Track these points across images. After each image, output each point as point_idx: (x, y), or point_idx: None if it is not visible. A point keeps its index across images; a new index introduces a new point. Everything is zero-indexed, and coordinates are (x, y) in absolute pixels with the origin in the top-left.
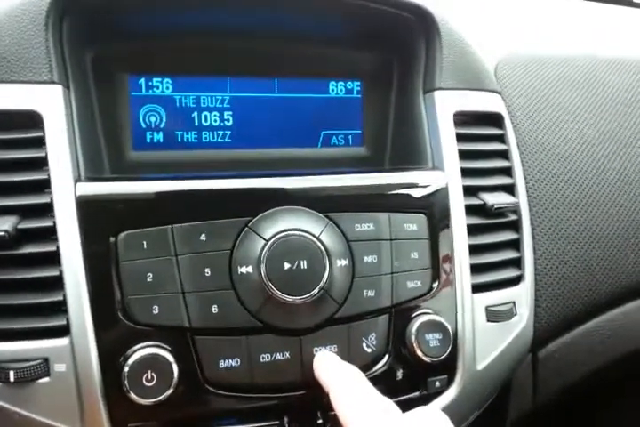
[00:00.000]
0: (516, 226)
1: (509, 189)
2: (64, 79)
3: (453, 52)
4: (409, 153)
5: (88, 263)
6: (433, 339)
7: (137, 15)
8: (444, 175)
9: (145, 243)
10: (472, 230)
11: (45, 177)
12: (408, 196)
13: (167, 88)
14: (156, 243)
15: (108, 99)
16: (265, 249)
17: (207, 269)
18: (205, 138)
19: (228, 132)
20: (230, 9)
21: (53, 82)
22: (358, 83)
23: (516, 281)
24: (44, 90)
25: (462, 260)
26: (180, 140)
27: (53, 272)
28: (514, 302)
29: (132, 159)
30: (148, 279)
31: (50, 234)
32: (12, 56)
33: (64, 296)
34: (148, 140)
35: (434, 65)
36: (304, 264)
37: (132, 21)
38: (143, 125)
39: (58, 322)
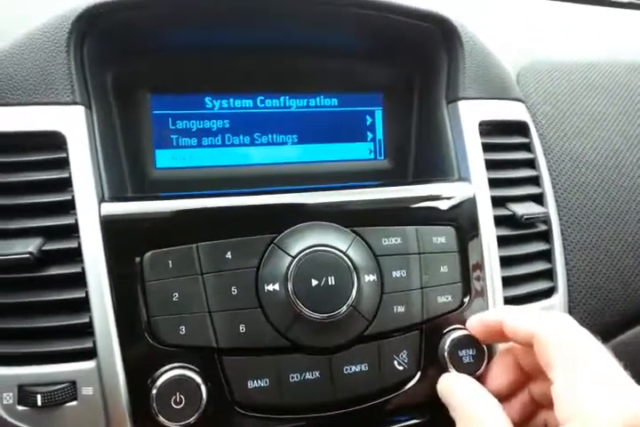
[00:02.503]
0: (546, 236)
1: (538, 199)
2: (86, 100)
3: (476, 61)
4: (434, 164)
5: (114, 284)
6: (466, 355)
7: (156, 34)
8: (471, 186)
9: (170, 262)
10: (502, 242)
11: (69, 198)
12: (435, 208)
13: (188, 106)
14: (182, 262)
15: (130, 118)
16: (292, 266)
17: (234, 288)
18: (227, 155)
19: (251, 149)
20: (251, 24)
21: (75, 103)
22: (379, 95)
23: (548, 293)
24: (66, 111)
25: (493, 272)
26: (202, 157)
27: (79, 294)
28: None
29: (154, 178)
30: (175, 299)
31: (75, 255)
32: (35, 78)
33: (90, 318)
34: (170, 159)
35: (456, 75)
36: (332, 280)
37: (152, 40)
38: (165, 144)
39: (84, 344)
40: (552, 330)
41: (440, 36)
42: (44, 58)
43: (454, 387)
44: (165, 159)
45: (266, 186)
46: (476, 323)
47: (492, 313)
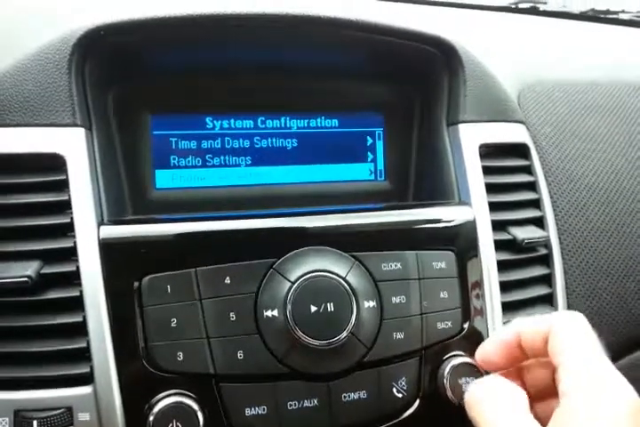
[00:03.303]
0: (546, 260)
1: (539, 222)
2: (86, 121)
3: (477, 84)
4: (434, 187)
5: (112, 309)
6: (466, 383)
7: (157, 55)
8: (471, 210)
9: (169, 287)
10: (502, 266)
11: (68, 221)
12: (435, 232)
13: (188, 126)
14: (180, 287)
15: (130, 138)
16: (290, 292)
17: (232, 314)
18: (227, 175)
19: (250, 169)
20: (251, 45)
21: (76, 125)
22: (380, 116)
23: None
24: (66, 133)
25: (493, 298)
26: (201, 178)
27: (77, 318)
28: None
29: (154, 198)
30: (173, 324)
31: (73, 278)
32: (36, 99)
33: (87, 343)
34: (170, 179)
35: (457, 98)
36: (331, 307)
37: (153, 61)
38: (165, 164)
39: (81, 370)
40: (568, 320)
41: (441, 59)
42: (45, 79)
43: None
44: (165, 180)
45: (265, 206)
46: (491, 347)
47: (504, 331)
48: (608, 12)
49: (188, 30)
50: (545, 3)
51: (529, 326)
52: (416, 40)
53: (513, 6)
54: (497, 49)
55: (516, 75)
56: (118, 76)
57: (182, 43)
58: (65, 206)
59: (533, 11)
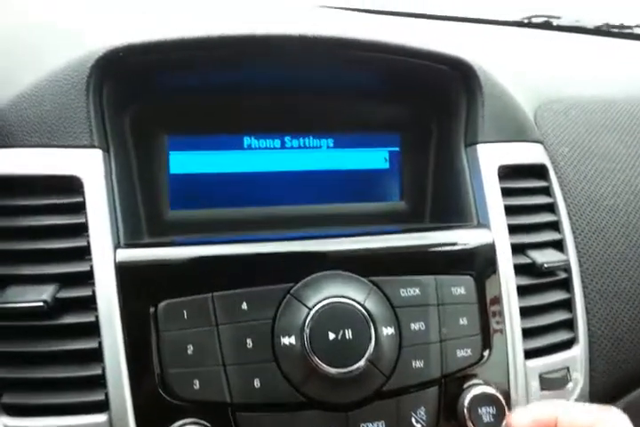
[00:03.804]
0: (566, 285)
1: (558, 245)
2: (104, 143)
3: (495, 104)
4: (451, 208)
5: (127, 335)
6: (486, 413)
7: (175, 75)
8: (490, 234)
9: (185, 312)
10: (521, 291)
11: (85, 244)
12: (454, 256)
13: (205, 147)
14: (197, 312)
15: (147, 159)
16: (308, 318)
17: (249, 340)
18: (243, 196)
19: (266, 190)
20: (267, 66)
21: (93, 146)
22: (396, 135)
23: (568, 344)
24: (84, 154)
25: (513, 324)
26: (218, 198)
27: (92, 344)
28: (568, 368)
29: (170, 219)
30: (189, 351)
31: (89, 303)
32: (54, 120)
33: (103, 369)
34: (186, 199)
35: (475, 118)
36: (349, 334)
37: (170, 81)
38: (181, 184)
39: (96, 397)
40: (617, 421)
41: (459, 80)
42: (63, 100)
43: None
44: (181, 200)
45: (281, 227)
46: (526, 420)
47: (543, 408)
48: (622, 26)
49: (207, 51)
50: (559, 17)
51: (571, 413)
52: (435, 60)
53: (526, 21)
54: (511, 65)
55: (531, 92)
56: (135, 97)
57: (200, 63)
58: (81, 229)
59: (547, 25)
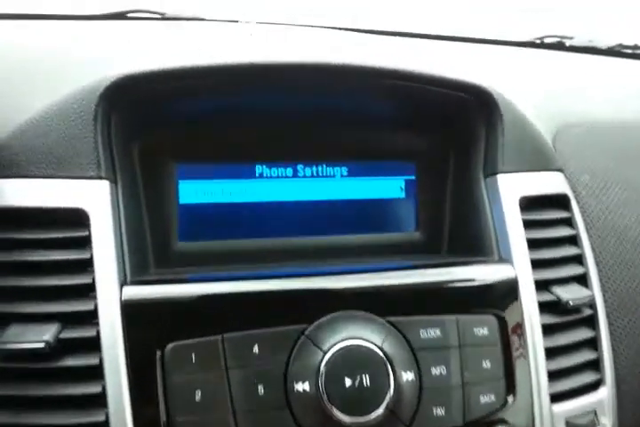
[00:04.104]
0: (591, 322)
1: (582, 280)
2: (111, 174)
3: (515, 133)
4: (470, 240)
5: (132, 379)
6: None
7: (184, 103)
8: (513, 269)
9: (194, 356)
10: (546, 330)
11: (90, 281)
12: (477, 294)
13: (215, 175)
14: (206, 356)
15: (156, 189)
16: (323, 362)
17: (260, 386)
18: (254, 226)
19: (278, 220)
20: (280, 94)
21: (100, 177)
22: (412, 164)
23: (595, 386)
24: (90, 186)
25: (539, 366)
26: (228, 229)
27: (95, 388)
28: (595, 411)
29: (178, 251)
30: (197, 398)
31: (93, 344)
32: (60, 151)
33: (106, 416)
34: (196, 230)
35: (495, 147)
36: (366, 379)
37: (179, 110)
38: (190, 215)
39: None
40: None
41: (478, 108)
42: (70, 130)
43: None
44: (190, 231)
45: (293, 259)
46: None
47: None
48: (636, 46)
49: (217, 79)
50: (572, 38)
51: None
52: (453, 88)
53: (538, 41)
54: (527, 88)
55: (548, 115)
56: (144, 126)
57: (210, 91)
58: (87, 265)
59: (559, 46)
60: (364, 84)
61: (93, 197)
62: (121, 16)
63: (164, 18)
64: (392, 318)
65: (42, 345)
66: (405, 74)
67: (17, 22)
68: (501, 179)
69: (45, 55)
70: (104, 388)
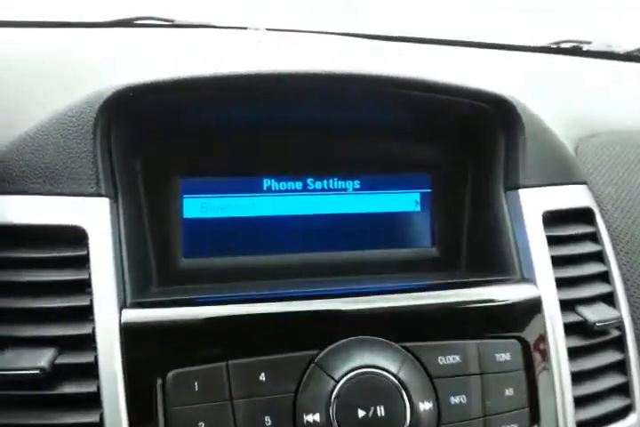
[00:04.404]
0: (620, 344)
1: (608, 299)
2: (111, 191)
3: (537, 144)
4: (490, 258)
5: (132, 408)
6: None
7: (190, 115)
8: (537, 290)
9: (197, 384)
10: (572, 354)
11: (87, 303)
12: (498, 316)
13: (221, 190)
14: (210, 384)
15: (159, 204)
16: (335, 392)
17: (267, 418)
18: (262, 242)
19: (286, 236)
20: (286, 104)
21: (100, 194)
22: (428, 177)
23: (624, 413)
24: (89, 203)
25: (565, 393)
26: (234, 245)
27: (92, 418)
28: None
29: (182, 267)
30: None
31: (90, 370)
32: (57, 166)
33: None
34: (201, 246)
35: (516, 160)
36: (381, 411)
37: (185, 122)
38: (195, 230)
39: None
40: None
41: (498, 118)
42: (68, 145)
43: None
44: (194, 248)
45: (301, 276)
46: None
47: None
48: None
49: (223, 90)
50: (589, 42)
51: None
52: (472, 97)
53: (554, 46)
54: (547, 96)
55: (571, 126)
56: (146, 140)
57: (215, 102)
58: (84, 286)
59: (577, 51)
60: (377, 94)
61: (92, 215)
62: (128, 23)
63: (171, 25)
64: (408, 344)
65: (37, 372)
66: (421, 83)
67: (17, 30)
68: (523, 193)
69: (46, 64)
70: (102, 417)
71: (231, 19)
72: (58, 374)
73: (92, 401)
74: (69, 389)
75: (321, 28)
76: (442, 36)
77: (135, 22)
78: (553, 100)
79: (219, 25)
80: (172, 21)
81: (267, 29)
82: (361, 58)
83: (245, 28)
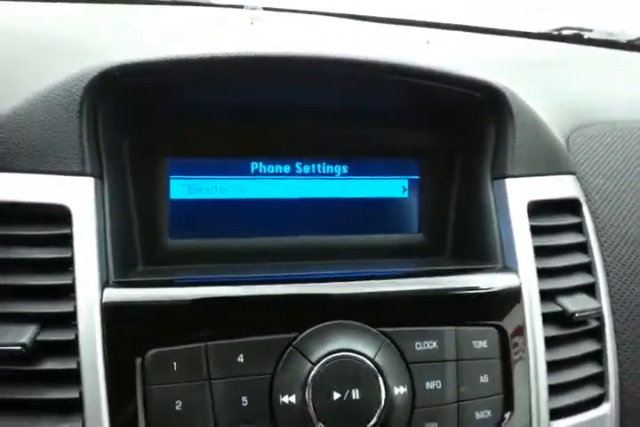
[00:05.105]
0: (597, 334)
1: (590, 290)
2: (97, 170)
3: (526, 134)
4: (474, 246)
5: (111, 386)
6: None
7: (175, 96)
8: (517, 279)
9: (175, 364)
10: (549, 343)
11: (70, 282)
12: (477, 305)
13: (209, 171)
14: (188, 364)
15: (146, 184)
16: (311, 375)
17: (244, 398)
18: (248, 225)
19: (273, 219)
20: (275, 87)
21: (85, 174)
22: (416, 163)
23: (597, 402)
24: (74, 182)
25: (539, 381)
26: (220, 226)
27: (72, 394)
28: None
29: (168, 248)
30: (177, 408)
31: (71, 348)
32: (42, 144)
33: (83, 423)
34: (187, 228)
35: (505, 150)
36: (356, 394)
37: (173, 102)
38: (182, 211)
39: None
40: None
41: (489, 107)
42: (54, 123)
43: None
44: (181, 229)
45: (288, 260)
46: None
47: None
48: None
49: (212, 71)
50: (590, 30)
51: None
52: (462, 85)
53: (555, 33)
54: (541, 84)
55: (563, 113)
56: (134, 119)
57: (203, 83)
58: (67, 264)
59: (577, 39)
60: (368, 80)
61: (76, 194)
62: None
63: (167, 2)
64: (387, 329)
65: (18, 348)
66: (412, 69)
67: (5, 3)
68: (510, 183)
69: (34, 40)
70: (81, 394)
71: None
72: (39, 350)
73: (72, 378)
74: (50, 365)
75: (320, 8)
76: (443, 21)
77: None
78: (548, 87)
79: (215, 3)
80: None
81: (264, 9)
82: (351, 42)
83: (242, 7)
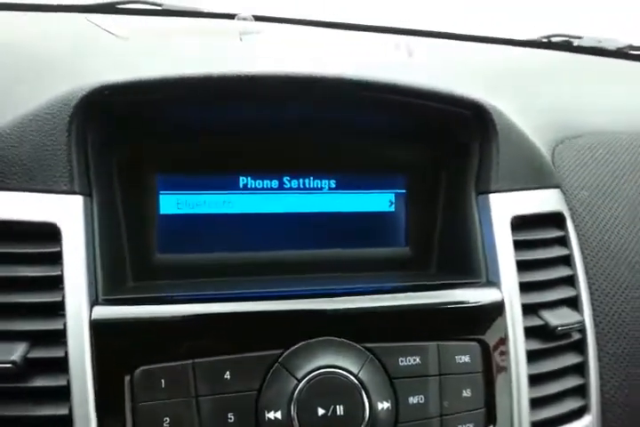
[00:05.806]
0: (579, 347)
1: (572, 303)
2: (86, 188)
3: (511, 149)
4: (459, 260)
5: (100, 403)
6: None
7: (167, 113)
8: (500, 294)
9: (163, 381)
10: (531, 357)
11: (59, 299)
12: (460, 319)
13: (197, 187)
14: (176, 381)
15: (135, 200)
16: (296, 391)
17: (230, 414)
18: (237, 239)
19: (261, 233)
20: (262, 105)
21: (74, 192)
22: (403, 178)
23: (579, 413)
24: (63, 201)
25: (521, 395)
26: (209, 241)
27: (61, 411)
28: None
29: (157, 263)
30: (165, 424)
31: (61, 365)
32: (32, 163)
33: None
34: (176, 242)
35: (489, 166)
36: (340, 409)
37: (162, 120)
38: (170, 226)
39: None
40: None
41: (474, 123)
42: (44, 142)
43: None
44: (169, 243)
45: (277, 274)
46: None
47: None
48: None
49: (200, 90)
50: (580, 37)
51: None
52: (449, 103)
53: (545, 40)
54: (528, 93)
55: (550, 124)
56: (123, 137)
57: (192, 101)
58: (57, 282)
59: (567, 46)
60: (354, 98)
61: (65, 212)
62: (110, 8)
63: (158, 11)
64: (371, 345)
65: (9, 365)
66: (398, 88)
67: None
68: (493, 198)
69: (22, 54)
70: (70, 411)
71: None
72: (29, 367)
73: (62, 395)
74: (40, 382)
75: (310, 16)
76: (432, 29)
77: (118, 7)
78: (534, 97)
79: (207, 11)
80: (160, 6)
81: (255, 18)
82: (339, 57)
83: (233, 17)
